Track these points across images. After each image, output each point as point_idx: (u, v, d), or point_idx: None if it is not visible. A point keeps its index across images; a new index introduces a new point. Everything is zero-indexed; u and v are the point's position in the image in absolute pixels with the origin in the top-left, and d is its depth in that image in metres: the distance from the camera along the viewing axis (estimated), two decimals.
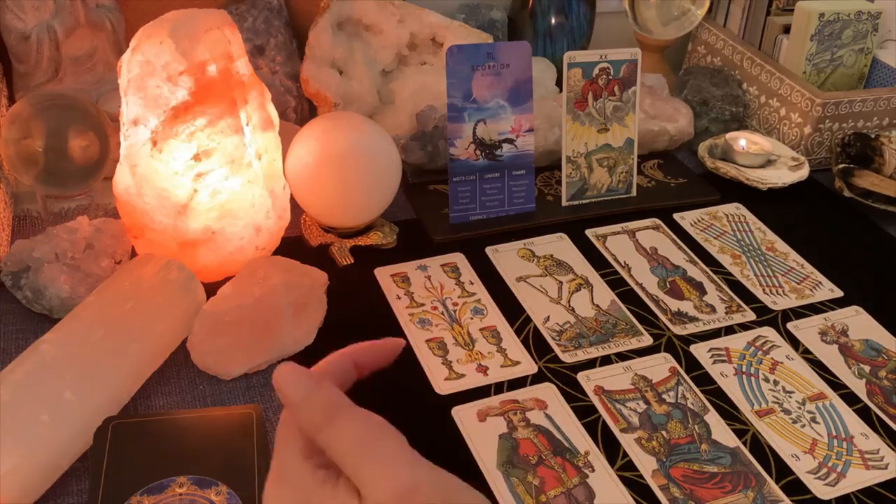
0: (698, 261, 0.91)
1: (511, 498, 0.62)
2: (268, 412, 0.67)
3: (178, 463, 0.58)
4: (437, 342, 0.76)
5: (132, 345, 0.66)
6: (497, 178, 0.92)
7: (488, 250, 0.89)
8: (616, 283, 0.86)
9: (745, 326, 0.82)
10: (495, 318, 0.80)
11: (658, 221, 0.97)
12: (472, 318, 0.79)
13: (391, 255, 0.86)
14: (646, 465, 0.66)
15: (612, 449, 0.67)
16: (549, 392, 0.72)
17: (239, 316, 0.72)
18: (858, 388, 0.76)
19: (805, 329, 0.83)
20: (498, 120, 0.90)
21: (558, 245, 0.91)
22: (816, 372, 0.77)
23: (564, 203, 0.96)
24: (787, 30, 1.14)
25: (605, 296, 0.84)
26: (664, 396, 0.73)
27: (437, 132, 0.94)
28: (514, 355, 0.76)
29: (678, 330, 0.81)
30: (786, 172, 1.04)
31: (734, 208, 1.00)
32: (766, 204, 1.01)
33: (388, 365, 0.43)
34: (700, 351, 0.78)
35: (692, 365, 0.77)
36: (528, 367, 0.74)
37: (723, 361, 0.77)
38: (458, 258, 0.87)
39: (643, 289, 0.86)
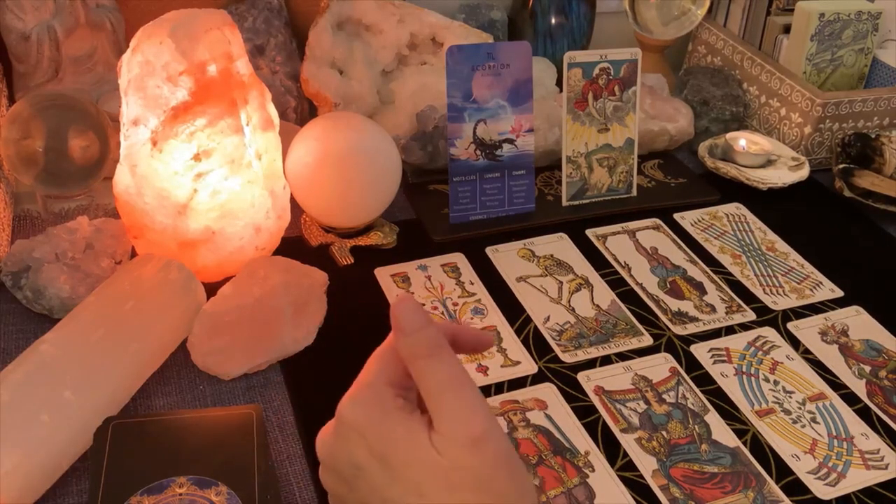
0: (698, 261, 0.91)
1: None
2: (268, 412, 0.67)
3: (178, 463, 0.58)
4: None
5: (132, 345, 0.66)
6: (497, 178, 0.92)
7: (488, 250, 0.89)
8: (616, 283, 0.86)
9: (745, 326, 0.82)
10: (495, 318, 0.80)
11: (658, 221, 0.97)
12: (472, 318, 0.79)
13: (391, 255, 0.86)
14: (646, 465, 0.66)
15: (612, 449, 0.67)
16: (549, 392, 0.72)
17: (239, 316, 0.72)
18: (858, 388, 0.76)
19: (805, 329, 0.83)
20: (498, 120, 0.90)
21: (558, 245, 0.91)
22: (817, 372, 0.77)
23: (564, 203, 0.96)
24: (787, 30, 1.14)
25: (605, 296, 0.84)
26: (664, 396, 0.73)
27: (437, 132, 0.94)
28: (515, 355, 0.76)
29: (678, 330, 0.81)
30: (786, 172, 1.04)
31: (734, 208, 1.00)
32: (767, 204, 1.01)
33: (475, 353, 0.46)
34: (700, 351, 0.78)
35: (692, 365, 0.77)
36: (529, 367, 0.74)
37: (723, 361, 0.77)
38: (459, 258, 0.87)
39: (643, 289, 0.86)
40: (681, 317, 0.82)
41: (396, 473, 0.40)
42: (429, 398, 0.41)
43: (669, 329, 0.81)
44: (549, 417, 0.69)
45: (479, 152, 0.91)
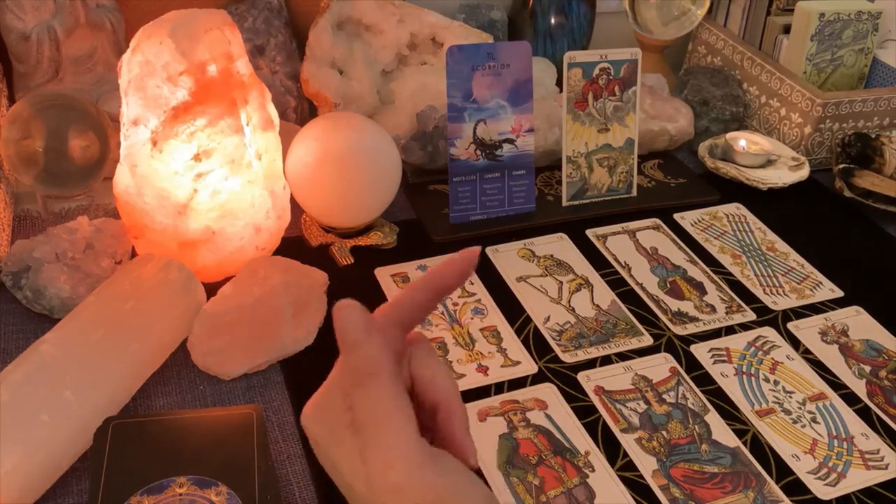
0: (698, 261, 0.91)
1: (511, 498, 0.62)
2: (268, 412, 0.67)
3: (178, 463, 0.58)
4: (437, 342, 0.76)
5: (132, 345, 0.66)
6: (497, 178, 0.92)
7: (488, 250, 0.89)
8: (616, 283, 0.86)
9: (745, 326, 0.82)
10: (495, 318, 0.80)
11: (658, 221, 0.97)
12: (472, 319, 0.79)
13: (391, 255, 0.86)
14: (646, 465, 0.66)
15: (612, 449, 0.67)
16: (549, 392, 0.72)
17: (239, 316, 0.72)
18: (859, 388, 0.76)
19: (805, 329, 0.83)
20: (498, 120, 0.90)
21: (558, 245, 0.91)
22: (817, 372, 0.77)
23: (565, 203, 0.96)
24: (787, 30, 1.14)
25: (605, 296, 0.84)
26: (664, 396, 0.73)
27: (437, 132, 0.94)
28: (515, 355, 0.76)
29: (678, 330, 0.81)
30: (786, 172, 1.04)
31: (734, 208, 1.00)
32: (767, 204, 1.01)
33: (465, 281, 0.42)
34: (700, 351, 0.78)
35: (692, 365, 0.77)
36: (529, 367, 0.74)
37: (723, 361, 0.77)
38: None
39: (643, 289, 0.86)
40: (681, 317, 0.82)
41: (345, 486, 0.40)
42: (357, 433, 0.39)
43: (669, 329, 0.81)
44: (549, 417, 0.69)
45: (479, 152, 0.90)
